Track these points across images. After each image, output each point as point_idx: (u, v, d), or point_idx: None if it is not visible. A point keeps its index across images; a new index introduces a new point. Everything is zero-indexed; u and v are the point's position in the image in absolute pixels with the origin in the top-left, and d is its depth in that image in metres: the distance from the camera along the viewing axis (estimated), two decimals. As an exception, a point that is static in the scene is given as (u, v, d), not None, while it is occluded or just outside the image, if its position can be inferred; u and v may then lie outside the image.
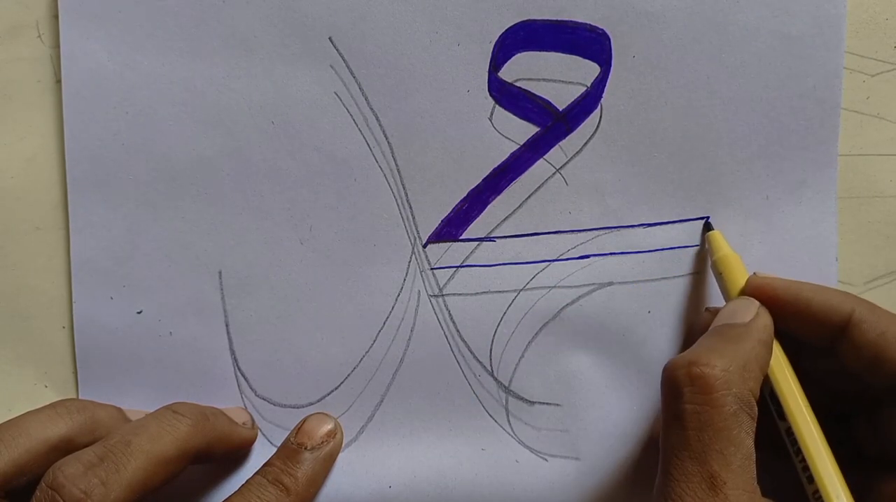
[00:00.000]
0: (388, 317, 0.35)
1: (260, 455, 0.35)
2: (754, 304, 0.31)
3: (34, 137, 0.35)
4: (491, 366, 0.35)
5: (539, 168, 0.35)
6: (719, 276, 0.33)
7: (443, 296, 0.35)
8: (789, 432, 0.29)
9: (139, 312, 0.35)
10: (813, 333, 0.30)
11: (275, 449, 0.34)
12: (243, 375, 0.35)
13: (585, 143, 0.35)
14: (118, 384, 0.35)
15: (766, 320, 0.30)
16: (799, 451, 0.29)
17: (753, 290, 0.31)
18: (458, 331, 0.35)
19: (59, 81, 0.34)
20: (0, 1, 0.34)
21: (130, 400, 0.35)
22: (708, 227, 0.35)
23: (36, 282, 0.35)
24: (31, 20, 0.34)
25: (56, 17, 0.34)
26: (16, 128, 0.35)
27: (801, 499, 0.29)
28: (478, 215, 0.35)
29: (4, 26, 0.34)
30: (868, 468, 0.31)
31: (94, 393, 0.35)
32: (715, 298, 0.35)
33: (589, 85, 0.34)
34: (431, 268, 0.35)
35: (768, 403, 0.30)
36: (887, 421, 0.30)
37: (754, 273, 0.32)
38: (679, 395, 0.27)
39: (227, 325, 0.35)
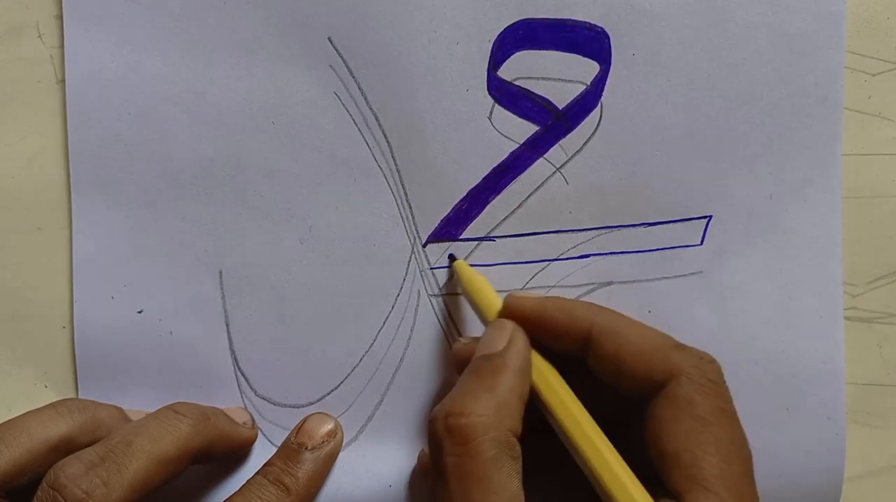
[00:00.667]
0: (387, 317, 0.35)
1: (260, 454, 0.35)
2: (508, 329, 0.30)
3: (35, 137, 0.35)
4: (491, 365, 0.35)
5: (539, 167, 0.35)
6: (473, 304, 0.33)
7: (442, 295, 0.35)
8: (571, 445, 0.28)
9: (140, 312, 0.35)
10: (564, 348, 0.30)
11: (275, 449, 0.34)
12: (243, 375, 0.35)
13: (585, 142, 0.35)
14: (118, 384, 0.35)
15: (520, 344, 0.29)
16: (584, 463, 0.27)
17: (506, 312, 0.31)
18: (458, 330, 0.35)
19: (59, 81, 0.34)
20: (0, 1, 0.34)
21: (130, 399, 0.35)
22: (452, 259, 0.35)
23: (36, 281, 0.35)
24: (31, 20, 0.34)
25: (57, 17, 0.34)
26: (16, 129, 0.35)
27: None
28: (478, 215, 0.35)
29: (5, 26, 0.35)
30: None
31: (94, 393, 0.35)
32: (716, 298, 0.35)
33: (589, 83, 0.34)
34: (431, 268, 0.35)
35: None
36: (636, 435, 0.29)
37: (510, 294, 0.31)
38: (440, 449, 0.27)
39: (227, 325, 0.35)
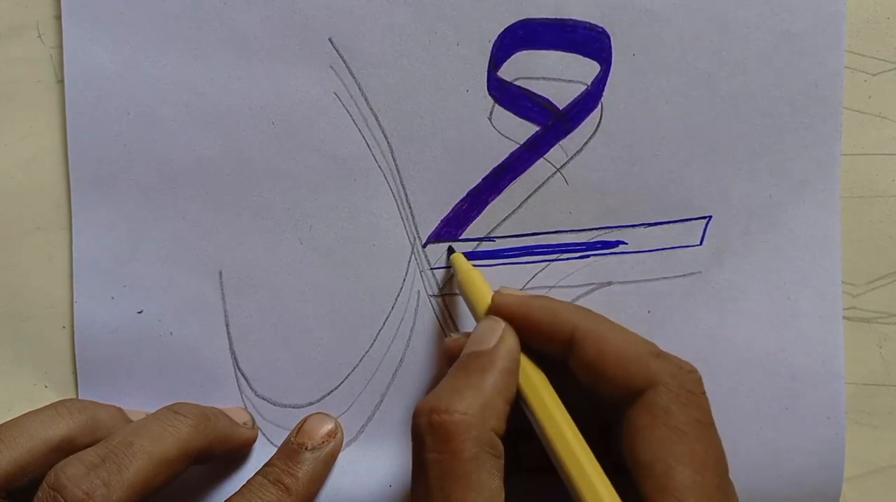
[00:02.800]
0: (387, 317, 0.35)
1: (260, 454, 0.35)
2: (499, 327, 0.30)
3: (35, 137, 0.35)
4: (491, 366, 0.35)
5: (539, 167, 0.35)
6: (466, 299, 0.33)
7: (442, 295, 0.35)
8: (550, 449, 0.28)
9: (140, 312, 0.35)
10: (546, 348, 0.30)
11: (275, 449, 0.34)
12: (243, 375, 0.35)
13: (586, 143, 0.34)
14: (118, 384, 0.35)
15: (509, 343, 0.29)
16: (562, 468, 0.27)
17: (494, 309, 0.31)
18: (457, 330, 0.35)
19: (59, 81, 0.34)
20: (0, 1, 0.34)
21: (130, 400, 0.35)
22: (450, 251, 0.35)
23: (36, 282, 0.35)
24: (31, 20, 0.34)
25: (56, 17, 0.34)
26: (16, 129, 0.35)
27: None
28: (477, 215, 0.35)
29: (4, 26, 0.34)
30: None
31: (94, 394, 0.35)
32: (715, 298, 0.35)
33: (589, 84, 0.34)
34: (431, 268, 0.35)
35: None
36: (614, 438, 0.29)
37: (499, 289, 0.31)
38: (422, 445, 0.27)
39: (227, 325, 0.35)
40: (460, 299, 0.35)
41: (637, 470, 0.26)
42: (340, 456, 0.35)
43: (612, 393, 0.28)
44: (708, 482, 0.26)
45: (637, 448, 0.27)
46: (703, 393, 0.28)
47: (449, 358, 0.32)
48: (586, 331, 0.29)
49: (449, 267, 0.35)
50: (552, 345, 0.29)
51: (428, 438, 0.26)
